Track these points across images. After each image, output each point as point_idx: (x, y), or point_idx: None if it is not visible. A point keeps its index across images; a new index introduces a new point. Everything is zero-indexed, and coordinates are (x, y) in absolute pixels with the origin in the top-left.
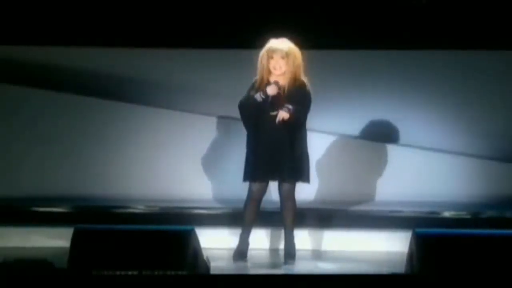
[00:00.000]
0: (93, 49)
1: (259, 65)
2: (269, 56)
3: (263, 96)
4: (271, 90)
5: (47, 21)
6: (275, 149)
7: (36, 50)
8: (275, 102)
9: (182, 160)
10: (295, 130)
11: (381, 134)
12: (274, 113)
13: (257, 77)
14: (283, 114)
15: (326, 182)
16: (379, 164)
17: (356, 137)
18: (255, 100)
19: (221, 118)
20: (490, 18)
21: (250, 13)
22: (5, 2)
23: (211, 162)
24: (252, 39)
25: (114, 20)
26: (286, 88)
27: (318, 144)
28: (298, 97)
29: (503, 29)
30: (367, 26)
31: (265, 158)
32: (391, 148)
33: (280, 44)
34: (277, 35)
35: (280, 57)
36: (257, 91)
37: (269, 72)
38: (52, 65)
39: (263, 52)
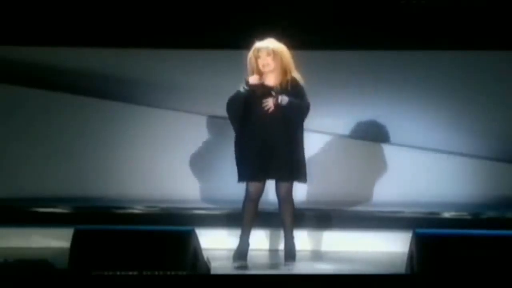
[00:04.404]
0: (93, 49)
1: (248, 66)
2: (256, 56)
3: (246, 87)
4: (252, 79)
5: (47, 22)
6: (267, 146)
7: (35, 50)
8: (263, 96)
9: (182, 161)
10: (295, 125)
11: (382, 135)
12: (265, 104)
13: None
14: (270, 102)
15: (326, 183)
16: (379, 165)
17: (356, 138)
18: (239, 93)
19: (221, 118)
20: (490, 18)
21: (250, 14)
22: (5, 2)
23: (211, 162)
24: (252, 40)
25: (113, 20)
26: (279, 85)
27: (318, 144)
28: (293, 93)
29: (503, 29)
30: (367, 26)
31: (257, 156)
32: (391, 149)
33: (266, 43)
34: (277, 35)
35: (266, 55)
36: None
37: (260, 72)
38: (52, 66)
39: (250, 53)
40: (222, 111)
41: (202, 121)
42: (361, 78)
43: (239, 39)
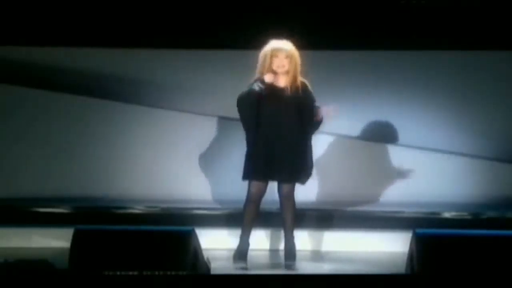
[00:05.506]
0: (92, 49)
1: (260, 63)
2: (274, 55)
3: (260, 85)
4: (268, 78)
5: (46, 22)
6: (274, 147)
7: (35, 50)
8: (272, 96)
9: (182, 161)
10: (305, 131)
11: (382, 135)
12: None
13: (257, 76)
14: (327, 111)
15: (327, 183)
16: (379, 165)
17: (356, 138)
18: (253, 90)
19: (221, 118)
20: (490, 18)
21: (250, 14)
22: (5, 2)
23: (211, 162)
24: (252, 40)
25: (113, 20)
26: (289, 88)
27: (319, 144)
28: (303, 97)
29: (503, 29)
30: (367, 26)
31: (265, 156)
32: (391, 149)
33: (284, 45)
34: (277, 35)
35: (285, 57)
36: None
37: (273, 71)
38: (52, 66)
39: (266, 51)
40: (222, 111)
41: (203, 121)
42: (361, 78)
43: (239, 39)
